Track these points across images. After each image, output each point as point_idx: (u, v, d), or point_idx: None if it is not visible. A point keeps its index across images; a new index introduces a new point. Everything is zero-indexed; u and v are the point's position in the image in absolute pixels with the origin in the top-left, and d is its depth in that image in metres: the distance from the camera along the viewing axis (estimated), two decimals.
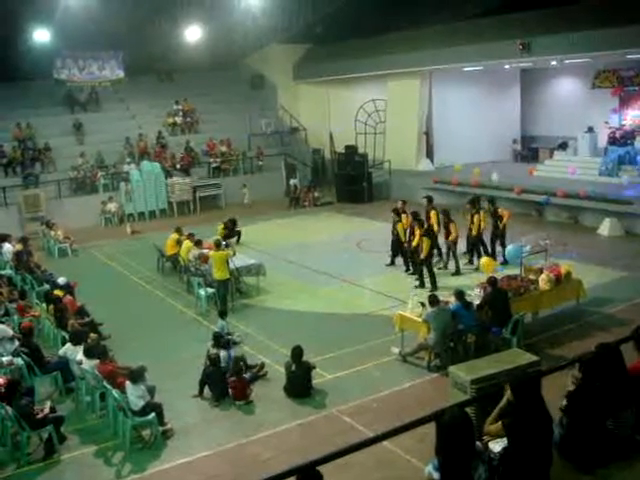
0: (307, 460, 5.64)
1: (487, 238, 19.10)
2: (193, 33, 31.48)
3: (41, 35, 27.99)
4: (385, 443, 8.31)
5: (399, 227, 18.74)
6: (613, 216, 21.89)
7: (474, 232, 18.79)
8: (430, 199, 19.76)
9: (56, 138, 30.62)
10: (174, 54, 32.71)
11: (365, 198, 30.09)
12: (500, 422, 6.13)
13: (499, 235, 19.02)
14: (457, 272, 18.27)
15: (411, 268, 18.50)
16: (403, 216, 18.76)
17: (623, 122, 28.97)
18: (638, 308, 14.70)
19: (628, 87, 29.35)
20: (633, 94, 29.24)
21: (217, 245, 16.56)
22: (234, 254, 16.53)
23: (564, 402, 6.43)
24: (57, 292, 15.38)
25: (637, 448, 6.49)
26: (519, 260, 15.52)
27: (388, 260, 19.41)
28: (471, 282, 15.99)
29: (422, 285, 17.22)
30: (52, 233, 24.04)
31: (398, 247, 19.07)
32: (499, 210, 19.07)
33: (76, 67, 31.17)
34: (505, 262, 18.18)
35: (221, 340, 12.68)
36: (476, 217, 18.76)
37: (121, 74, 32.05)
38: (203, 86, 35.83)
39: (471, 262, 19.04)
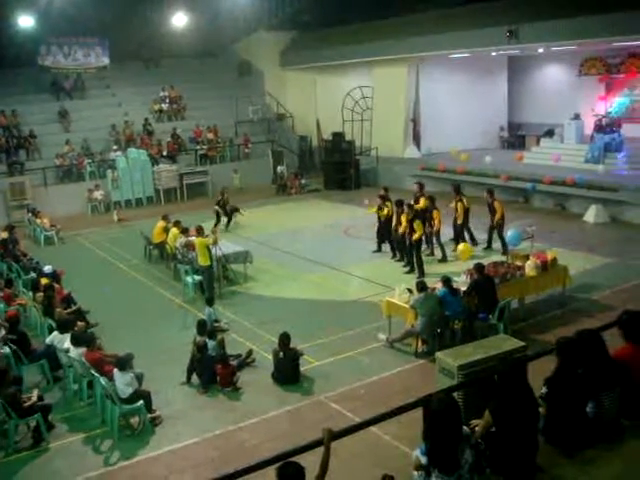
0: (296, 446, 5.72)
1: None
2: (179, 19, 31.40)
3: (25, 21, 27.84)
4: (373, 429, 8.37)
5: (381, 214, 18.84)
6: (599, 203, 22.00)
7: (459, 220, 18.88)
8: (421, 185, 19.81)
9: (41, 125, 30.42)
10: (160, 41, 32.62)
11: (352, 185, 30.09)
12: (487, 411, 6.17)
13: (494, 227, 18.95)
14: (443, 259, 18.33)
15: (397, 255, 18.56)
16: (387, 203, 18.85)
17: (609, 109, 29.06)
18: (623, 294, 14.80)
19: (614, 74, 29.45)
20: (619, 81, 29.35)
21: (198, 231, 16.53)
22: (215, 242, 16.39)
23: (543, 390, 6.48)
24: (43, 280, 15.34)
25: (621, 432, 6.56)
26: (519, 243, 15.90)
27: (375, 247, 19.46)
28: (457, 269, 16.04)
29: (412, 270, 17.34)
30: (38, 221, 23.96)
31: (384, 233, 19.13)
32: (495, 204, 18.95)
33: (61, 54, 31.04)
34: (505, 253, 17.57)
35: (205, 327, 12.68)
36: (459, 204, 18.83)
37: (107, 61, 31.96)
38: (190, 73, 35.71)
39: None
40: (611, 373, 6.60)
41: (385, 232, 19.06)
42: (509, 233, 16.75)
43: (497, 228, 18.71)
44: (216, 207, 23.49)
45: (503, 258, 15.61)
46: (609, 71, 29.73)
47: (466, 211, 18.97)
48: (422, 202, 18.58)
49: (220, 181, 30.64)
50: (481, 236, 19.47)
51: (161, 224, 19.66)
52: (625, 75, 29.06)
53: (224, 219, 23.52)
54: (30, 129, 29.57)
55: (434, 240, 18.77)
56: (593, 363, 6.59)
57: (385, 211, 18.79)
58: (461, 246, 17.95)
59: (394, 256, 18.75)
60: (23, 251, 19.59)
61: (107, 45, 31.63)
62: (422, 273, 16.87)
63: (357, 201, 21.48)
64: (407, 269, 17.61)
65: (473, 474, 5.69)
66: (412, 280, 14.44)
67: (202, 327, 12.66)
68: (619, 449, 6.27)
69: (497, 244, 18.70)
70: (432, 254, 18.74)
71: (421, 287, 12.58)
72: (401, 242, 17.99)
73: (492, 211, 18.82)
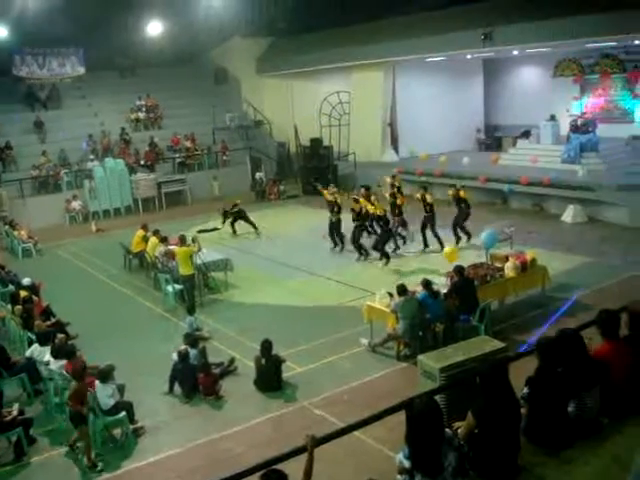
0: (280, 453, 5.71)
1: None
2: (154, 28, 31.31)
3: None
4: (356, 433, 8.35)
5: (355, 206, 19.26)
6: (576, 203, 22.16)
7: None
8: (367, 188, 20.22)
9: (17, 136, 30.19)
10: (136, 49, 32.51)
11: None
12: (469, 414, 6.19)
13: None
14: (396, 249, 19.26)
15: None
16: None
17: (584, 110, 29.32)
18: (602, 293, 14.90)
19: (589, 75, 29.72)
20: (593, 82, 29.64)
21: (181, 240, 16.48)
22: (199, 250, 16.45)
23: (525, 390, 6.51)
24: (22, 293, 15.21)
25: (600, 430, 6.60)
26: (494, 245, 16.02)
27: (356, 255, 19.52)
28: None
29: (387, 257, 18.39)
30: (15, 233, 23.76)
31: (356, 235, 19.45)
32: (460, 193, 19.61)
33: (36, 64, 30.85)
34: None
35: (189, 338, 12.63)
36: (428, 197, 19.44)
37: (82, 70, 31.79)
38: (166, 81, 35.62)
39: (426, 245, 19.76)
40: (591, 372, 6.64)
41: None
42: (484, 235, 16.82)
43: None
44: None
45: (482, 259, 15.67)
46: (583, 72, 29.99)
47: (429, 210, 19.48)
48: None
49: (199, 189, 30.66)
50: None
51: (140, 233, 19.58)
52: (599, 76, 29.33)
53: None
54: (6, 140, 29.33)
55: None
56: (573, 362, 6.62)
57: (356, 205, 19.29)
58: (447, 249, 17.89)
59: (360, 256, 19.29)
60: (1, 264, 19.40)
61: (82, 55, 31.49)
62: (387, 259, 18.26)
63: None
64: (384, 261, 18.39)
65: (457, 477, 5.71)
66: (393, 284, 14.46)
67: (188, 338, 12.64)
68: (599, 448, 6.31)
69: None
70: (397, 248, 19.48)
71: (401, 291, 12.61)
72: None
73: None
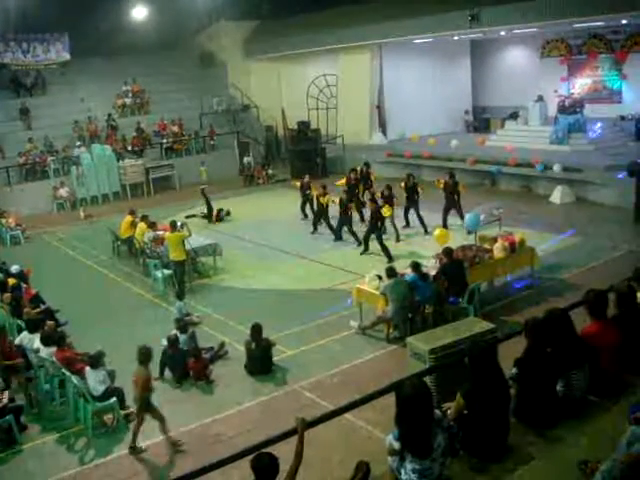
0: (270, 436, 5.73)
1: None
2: (139, 12, 31.11)
3: None
4: (347, 415, 8.39)
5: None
6: (564, 184, 22.22)
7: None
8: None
9: (2, 124, 29.99)
10: (121, 34, 32.25)
11: (319, 173, 29.97)
12: (458, 395, 6.22)
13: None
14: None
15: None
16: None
17: (572, 90, 29.34)
18: (590, 273, 15.01)
19: (576, 56, 29.73)
20: (581, 62, 29.65)
21: (172, 226, 16.43)
22: (189, 235, 16.43)
23: (514, 370, 6.55)
24: (11, 280, 15.14)
25: (589, 408, 6.66)
26: (478, 227, 15.93)
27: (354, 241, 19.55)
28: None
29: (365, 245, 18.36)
30: (3, 221, 23.65)
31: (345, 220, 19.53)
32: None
33: (20, 50, 30.63)
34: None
35: (179, 323, 12.62)
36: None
37: (67, 56, 31.56)
38: (151, 66, 35.39)
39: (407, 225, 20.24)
40: (579, 351, 6.69)
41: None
42: (467, 217, 16.85)
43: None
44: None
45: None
46: (571, 52, 30.00)
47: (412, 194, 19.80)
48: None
49: (187, 174, 30.54)
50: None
51: (128, 219, 19.51)
52: (587, 56, 29.34)
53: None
54: None
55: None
56: (562, 342, 6.67)
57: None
58: (437, 231, 17.80)
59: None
60: None
61: (67, 40, 31.23)
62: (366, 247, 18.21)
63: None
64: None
65: (446, 457, 5.74)
66: (382, 267, 14.48)
67: (178, 323, 12.63)
68: (587, 426, 6.37)
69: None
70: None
71: (390, 273, 12.63)
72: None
73: (455, 192, 19.48)
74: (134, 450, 9.63)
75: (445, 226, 19.18)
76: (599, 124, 25.69)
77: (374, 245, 17.92)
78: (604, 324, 7.01)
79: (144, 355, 10.00)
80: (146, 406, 9.70)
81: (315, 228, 20.82)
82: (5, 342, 11.71)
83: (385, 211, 17.94)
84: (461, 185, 19.74)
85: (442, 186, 19.71)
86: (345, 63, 32.16)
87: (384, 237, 17.97)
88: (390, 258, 17.04)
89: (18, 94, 31.93)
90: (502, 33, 28.90)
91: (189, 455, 9.34)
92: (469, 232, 16.39)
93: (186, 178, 30.70)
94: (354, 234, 19.10)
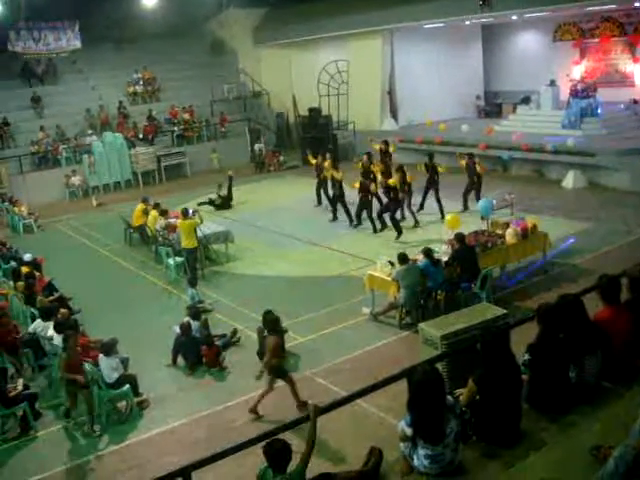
0: (283, 423, 5.75)
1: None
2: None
3: None
4: (359, 402, 8.42)
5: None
6: (577, 168, 22.09)
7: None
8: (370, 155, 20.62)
9: (14, 112, 29.98)
10: (131, 22, 32.18)
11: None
12: (470, 380, 6.22)
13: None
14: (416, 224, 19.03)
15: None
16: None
17: (584, 74, 29.11)
18: (603, 258, 14.94)
19: (588, 39, 29.49)
20: (594, 46, 29.41)
21: (184, 214, 16.45)
22: (201, 222, 16.45)
23: (526, 356, 6.53)
24: (24, 269, 15.22)
25: (602, 394, 6.64)
26: (491, 213, 15.97)
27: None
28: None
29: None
30: (16, 209, 23.76)
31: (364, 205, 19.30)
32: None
33: (31, 39, 30.55)
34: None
35: (192, 310, 12.67)
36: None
37: (78, 44, 31.49)
38: (162, 53, 35.27)
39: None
40: (592, 337, 6.67)
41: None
42: (480, 203, 16.79)
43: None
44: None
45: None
46: (583, 36, 29.75)
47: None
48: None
49: (198, 161, 30.58)
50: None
51: (140, 207, 19.53)
52: (599, 39, 29.09)
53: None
54: (3, 117, 29.15)
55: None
56: (574, 328, 6.65)
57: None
58: (449, 216, 17.63)
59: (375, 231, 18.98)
60: (2, 240, 19.40)
61: (77, 28, 31.20)
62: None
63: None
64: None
65: (458, 443, 5.75)
66: (394, 253, 14.46)
67: (190, 310, 12.67)
68: (600, 412, 6.35)
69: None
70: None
71: (402, 259, 12.60)
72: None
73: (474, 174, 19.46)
74: (255, 414, 9.88)
75: (466, 208, 19.42)
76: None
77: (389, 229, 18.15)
78: (617, 309, 6.98)
79: (272, 322, 10.35)
80: (276, 372, 9.89)
81: (335, 216, 20.53)
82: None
83: (391, 182, 18.23)
84: (480, 166, 19.63)
85: (464, 165, 19.70)
86: (356, 49, 31.99)
87: (401, 222, 18.13)
88: (399, 232, 17.51)
89: (29, 83, 31.98)
90: (514, 17, 28.68)
91: (202, 442, 9.38)
92: (482, 218, 16.30)
93: (197, 165, 30.73)
94: (372, 221, 18.87)
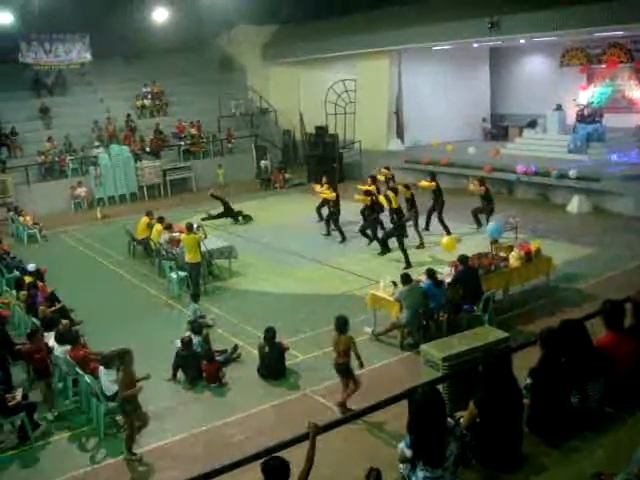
0: (282, 441, 5.72)
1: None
2: (160, 14, 31.23)
3: (4, 18, 27.54)
4: (359, 421, 8.40)
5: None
6: (582, 193, 22.08)
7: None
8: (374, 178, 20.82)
9: (22, 123, 30.18)
10: (142, 36, 32.40)
11: (336, 179, 29.97)
12: (471, 403, 6.19)
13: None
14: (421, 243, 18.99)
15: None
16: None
17: (590, 100, 29.17)
18: (607, 283, 14.88)
19: (595, 65, 29.57)
20: (600, 71, 29.49)
21: (188, 228, 16.47)
22: (205, 237, 16.47)
23: (528, 380, 6.50)
24: (27, 278, 15.24)
25: (604, 420, 6.60)
26: (500, 235, 16.19)
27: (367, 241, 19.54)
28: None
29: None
30: (21, 219, 23.82)
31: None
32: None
33: (42, 50, 30.77)
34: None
35: (193, 325, 12.66)
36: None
37: (88, 57, 31.70)
38: (171, 68, 35.52)
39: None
40: (595, 362, 6.64)
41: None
42: (490, 225, 16.80)
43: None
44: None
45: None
46: (590, 62, 29.84)
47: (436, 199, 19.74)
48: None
49: (204, 176, 30.65)
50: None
51: (145, 220, 19.59)
52: (606, 65, 29.18)
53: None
54: (11, 126, 29.34)
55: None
56: (577, 353, 6.62)
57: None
58: (445, 239, 17.70)
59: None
60: (6, 249, 19.45)
61: (88, 41, 31.42)
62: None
63: (341, 194, 21.54)
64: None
65: (458, 466, 5.71)
66: (397, 273, 14.44)
67: (192, 325, 12.66)
68: (603, 438, 6.31)
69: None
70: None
71: (405, 280, 12.59)
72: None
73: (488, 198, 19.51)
74: (344, 408, 10.07)
75: (480, 224, 19.61)
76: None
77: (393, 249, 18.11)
78: (620, 335, 6.96)
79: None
80: (344, 373, 10.33)
81: (328, 232, 20.97)
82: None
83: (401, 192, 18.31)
84: (474, 187, 19.79)
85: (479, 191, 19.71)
86: (364, 69, 32.10)
87: (406, 241, 17.96)
88: (408, 264, 16.97)
89: (39, 94, 32.18)
90: (522, 41, 28.78)
91: (199, 458, 9.33)
92: (492, 241, 16.28)
93: (203, 180, 30.79)
94: (379, 241, 18.82)
